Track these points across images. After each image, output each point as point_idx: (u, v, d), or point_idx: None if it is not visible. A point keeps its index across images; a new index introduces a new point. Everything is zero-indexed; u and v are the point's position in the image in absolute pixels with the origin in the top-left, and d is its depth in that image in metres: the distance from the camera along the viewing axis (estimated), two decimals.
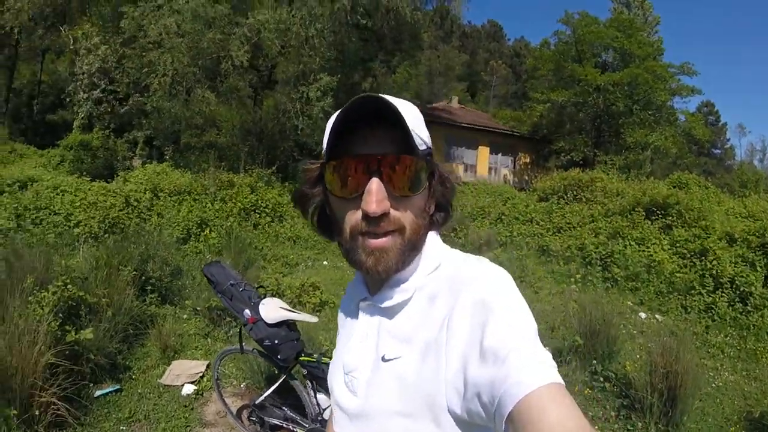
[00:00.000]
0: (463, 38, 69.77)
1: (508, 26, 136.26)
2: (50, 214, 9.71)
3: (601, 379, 4.90)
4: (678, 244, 9.78)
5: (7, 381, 3.39)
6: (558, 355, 5.37)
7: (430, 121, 25.32)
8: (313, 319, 3.41)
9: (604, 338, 5.39)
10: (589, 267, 9.64)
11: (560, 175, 16.10)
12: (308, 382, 3.34)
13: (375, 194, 0.85)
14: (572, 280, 8.76)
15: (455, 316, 0.85)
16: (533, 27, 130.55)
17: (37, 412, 3.46)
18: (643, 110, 24.03)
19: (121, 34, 16.76)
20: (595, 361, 5.13)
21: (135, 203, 10.61)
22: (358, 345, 0.99)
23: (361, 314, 1.02)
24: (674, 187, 13.67)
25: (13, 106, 34.10)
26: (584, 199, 13.80)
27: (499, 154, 28.19)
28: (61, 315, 4.25)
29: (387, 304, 0.96)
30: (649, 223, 10.93)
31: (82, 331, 4.16)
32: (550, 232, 12.11)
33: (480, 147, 27.61)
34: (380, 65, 30.66)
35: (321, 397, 3.35)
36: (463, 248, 7.65)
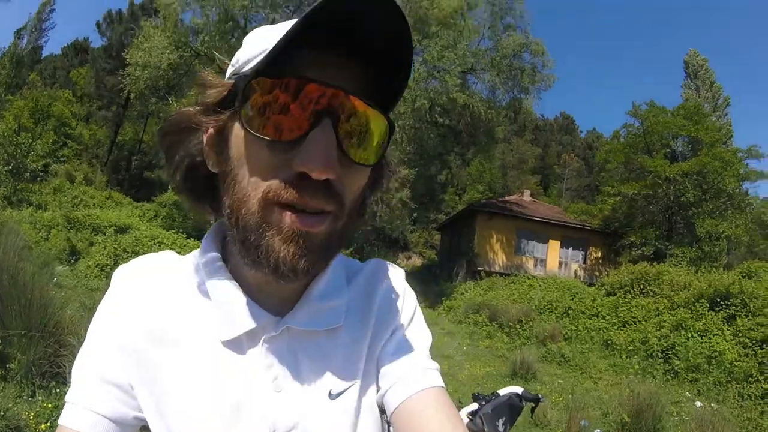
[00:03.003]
0: (536, 131, 70.67)
1: (581, 118, 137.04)
2: None
3: None
4: (740, 334, 9.88)
5: None
6: None
7: (503, 214, 26.00)
8: None
9: (649, 416, 5.82)
10: (650, 359, 9.90)
11: (628, 268, 16.25)
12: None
13: (326, 147, 0.58)
14: (631, 371, 9.09)
15: (379, 318, 0.81)
16: (606, 118, 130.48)
17: None
18: (713, 199, 23.72)
19: None
20: None
21: None
22: (275, 395, 0.70)
23: (259, 349, 0.71)
24: (744, 276, 13.67)
25: (114, 158, 37.55)
26: (651, 293, 13.90)
27: (570, 249, 28.05)
28: None
29: (321, 326, 0.75)
30: (713, 314, 11.02)
31: None
32: (616, 327, 12.36)
33: (551, 241, 27.60)
34: (456, 158, 31.86)
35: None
36: (528, 341, 8.39)
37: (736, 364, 8.96)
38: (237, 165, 0.63)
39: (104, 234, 13.82)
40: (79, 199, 21.26)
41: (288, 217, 0.60)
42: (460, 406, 3.35)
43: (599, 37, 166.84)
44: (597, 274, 25.98)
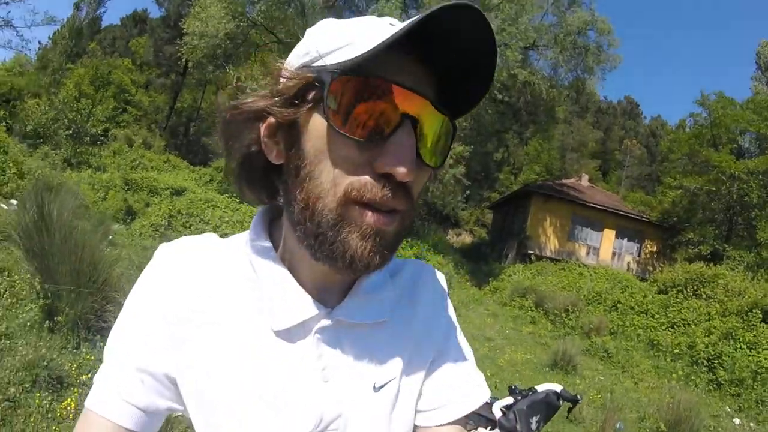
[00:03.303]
0: (599, 114, 68.77)
1: (645, 104, 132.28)
2: (200, 221, 11.41)
3: None
4: None
5: None
6: None
7: (559, 198, 25.43)
8: None
9: (686, 429, 5.84)
10: (695, 366, 9.79)
11: (683, 267, 15.89)
12: None
13: (411, 150, 0.61)
14: (674, 376, 9.03)
15: (425, 322, 0.84)
16: (671, 107, 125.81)
17: None
18: None
19: None
20: None
21: None
22: (323, 385, 0.72)
23: (310, 339, 0.73)
24: None
25: (172, 124, 38.68)
26: (704, 296, 13.61)
27: (625, 240, 27.39)
28: None
29: (369, 318, 0.77)
30: (765, 326, 10.77)
31: None
32: (664, 327, 12.23)
33: (606, 230, 27.00)
34: (513, 136, 31.34)
35: None
36: (573, 331, 8.43)
37: None
38: (314, 160, 0.63)
39: (160, 196, 14.15)
40: (137, 162, 21.76)
41: (369, 216, 0.61)
42: (495, 393, 3.36)
43: (669, 22, 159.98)
44: (650, 268, 25.19)
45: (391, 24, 0.64)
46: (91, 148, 20.09)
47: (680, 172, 26.29)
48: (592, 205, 26.84)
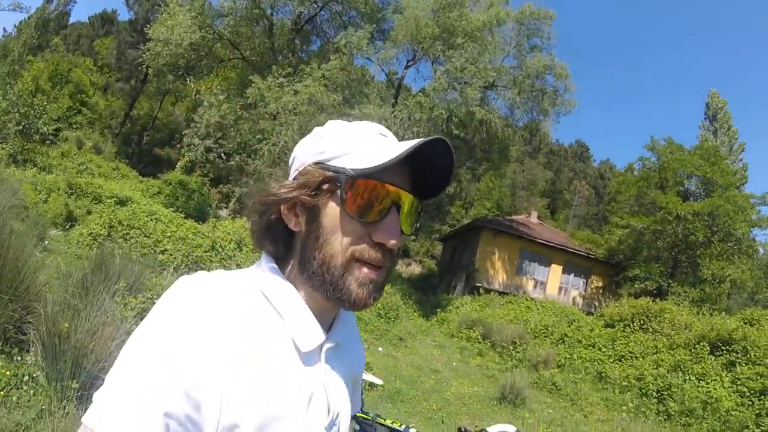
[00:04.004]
0: (550, 155, 70.32)
1: (596, 148, 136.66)
2: (141, 235, 10.75)
3: None
4: (739, 382, 9.66)
5: (80, 359, 3.93)
6: None
7: (508, 233, 25.73)
8: (378, 381, 3.97)
9: None
10: (644, 398, 9.65)
11: (630, 302, 16.02)
12: None
13: (397, 227, 0.84)
14: (624, 408, 8.82)
15: (357, 349, 1.11)
16: (620, 152, 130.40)
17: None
18: (722, 242, 23.41)
19: (244, 98, 18.73)
20: None
21: (220, 249, 11.47)
22: (329, 389, 0.91)
23: (322, 356, 0.91)
24: (745, 323, 13.32)
25: (126, 131, 37.54)
26: (651, 330, 13.67)
27: (572, 275, 27.77)
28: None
29: (345, 342, 0.99)
30: (713, 358, 10.78)
31: None
32: (611, 360, 12.13)
33: (553, 265, 27.39)
34: (467, 172, 31.69)
35: None
36: (520, 363, 8.06)
37: (733, 413, 8.73)
38: (330, 232, 0.85)
39: (104, 204, 13.60)
40: (84, 167, 21.24)
41: (366, 270, 0.84)
42: (442, 428, 3.07)
43: (621, 72, 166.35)
44: (596, 303, 25.85)
45: (381, 134, 0.90)
46: (39, 147, 19.64)
47: (627, 212, 27.18)
48: (540, 241, 27.23)
